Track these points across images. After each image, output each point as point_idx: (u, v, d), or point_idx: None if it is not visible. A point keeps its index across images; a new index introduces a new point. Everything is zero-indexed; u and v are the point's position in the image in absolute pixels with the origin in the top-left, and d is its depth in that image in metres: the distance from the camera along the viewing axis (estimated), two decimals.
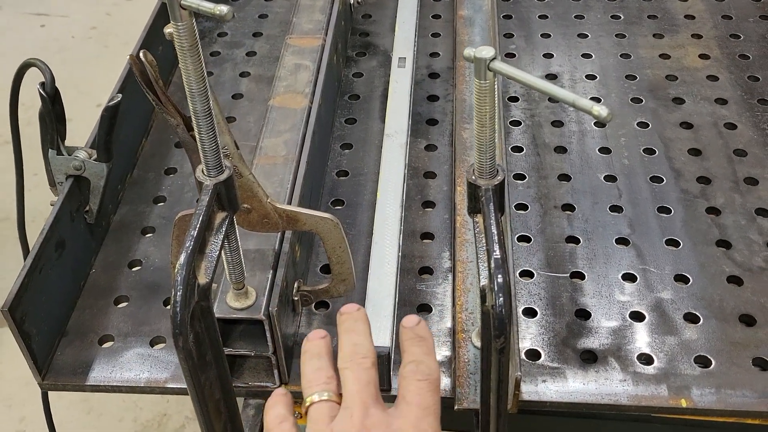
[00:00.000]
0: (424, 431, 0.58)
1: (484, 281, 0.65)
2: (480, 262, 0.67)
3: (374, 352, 0.64)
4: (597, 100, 1.18)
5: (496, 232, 0.65)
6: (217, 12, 0.58)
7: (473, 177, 0.68)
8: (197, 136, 0.67)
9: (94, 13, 3.42)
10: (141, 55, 0.71)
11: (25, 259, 1.06)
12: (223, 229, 0.71)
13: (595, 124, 1.16)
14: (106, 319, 0.95)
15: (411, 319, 0.66)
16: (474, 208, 0.69)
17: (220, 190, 0.70)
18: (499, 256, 0.63)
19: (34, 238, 0.96)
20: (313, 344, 0.67)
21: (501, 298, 0.61)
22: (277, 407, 0.64)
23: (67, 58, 3.20)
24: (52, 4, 3.64)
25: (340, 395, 0.62)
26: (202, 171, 0.70)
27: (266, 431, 0.63)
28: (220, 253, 0.70)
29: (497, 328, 0.61)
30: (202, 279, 0.67)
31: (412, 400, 0.60)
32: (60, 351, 0.92)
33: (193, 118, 0.66)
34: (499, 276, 0.62)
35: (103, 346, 0.92)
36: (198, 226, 0.67)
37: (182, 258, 0.64)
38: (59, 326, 0.93)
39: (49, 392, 0.97)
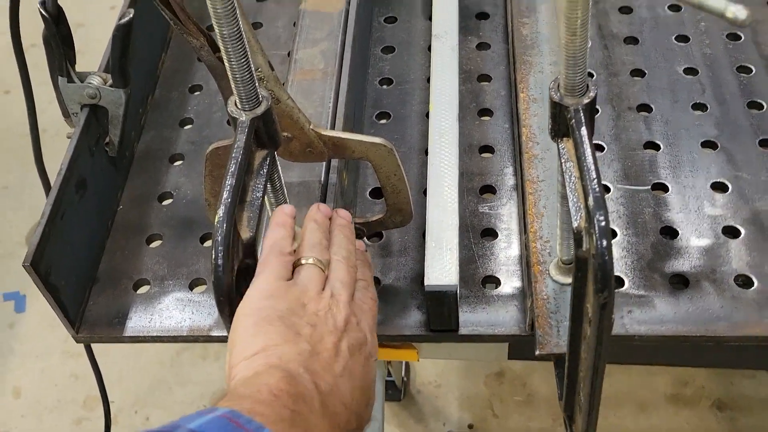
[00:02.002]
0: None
1: (576, 222, 0.55)
2: (571, 197, 0.56)
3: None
4: None
5: (592, 163, 0.54)
6: None
7: (559, 95, 0.57)
8: (227, 64, 0.56)
9: None
10: None
11: (46, 192, 0.97)
12: (265, 170, 0.61)
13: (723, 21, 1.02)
14: (140, 262, 0.87)
15: (361, 245, 0.72)
16: (558, 131, 0.58)
17: (258, 126, 0.60)
18: (599, 194, 0.52)
19: (52, 158, 0.87)
20: (323, 221, 0.67)
21: (604, 244, 0.51)
22: (284, 230, 0.64)
23: (105, 19, 3.02)
24: None
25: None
26: (236, 104, 0.59)
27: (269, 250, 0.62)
28: (263, 198, 0.60)
29: (600, 280, 0.51)
30: (245, 233, 0.57)
31: (369, 312, 0.64)
32: (92, 300, 0.84)
33: (220, 44, 0.55)
34: (601, 217, 0.52)
35: (138, 292, 0.84)
36: (236, 171, 0.56)
37: (221, 212, 0.55)
38: (89, 273, 0.85)
39: None
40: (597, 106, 0.92)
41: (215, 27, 0.54)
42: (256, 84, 0.58)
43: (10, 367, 1.83)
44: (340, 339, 0.58)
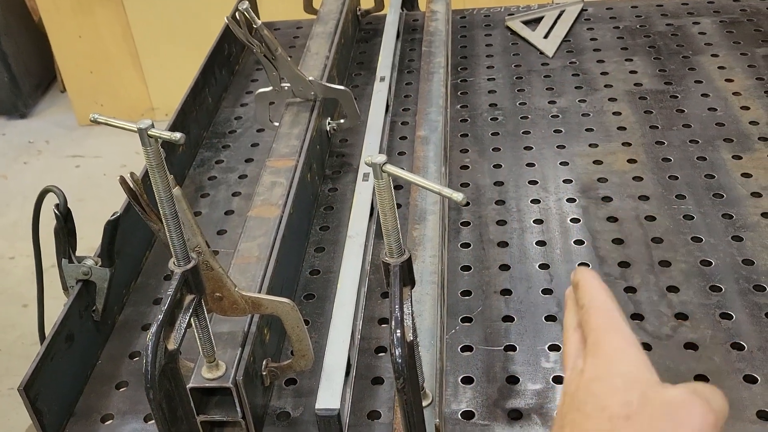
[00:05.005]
0: None
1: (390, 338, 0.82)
2: (389, 324, 0.83)
3: None
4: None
5: (399, 299, 0.82)
6: (173, 138, 0.78)
7: (385, 257, 0.86)
8: (167, 233, 0.86)
9: (124, 152, 3.74)
10: (128, 176, 0.92)
11: None
12: (192, 308, 0.89)
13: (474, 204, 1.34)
14: (109, 401, 1.12)
15: None
16: (388, 283, 0.87)
17: (187, 277, 0.89)
18: (398, 316, 0.80)
19: None
20: None
21: (398, 349, 0.78)
22: None
23: (100, 194, 3.49)
24: (88, 147, 3.99)
25: None
26: (173, 262, 0.88)
27: None
28: (188, 326, 0.88)
29: (396, 371, 0.78)
30: (171, 345, 0.84)
31: None
32: (68, 429, 1.08)
33: (163, 220, 0.86)
34: (398, 331, 0.79)
35: (105, 424, 1.09)
36: (168, 303, 0.85)
37: (153, 328, 0.82)
38: (68, 408, 1.10)
39: None
40: (471, 290, 1.21)
41: (159, 208, 0.85)
42: (188, 248, 0.88)
43: None
44: None
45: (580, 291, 0.69)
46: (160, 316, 0.83)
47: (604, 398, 0.58)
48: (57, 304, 1.26)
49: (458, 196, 0.75)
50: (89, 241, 1.22)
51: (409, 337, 0.81)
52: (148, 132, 0.80)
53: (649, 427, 0.54)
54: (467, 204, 0.76)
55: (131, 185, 0.92)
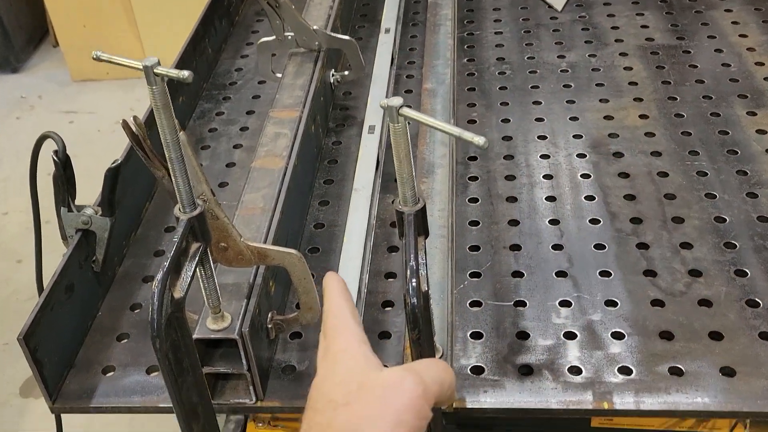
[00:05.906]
0: None
1: (403, 290, 0.79)
2: (404, 274, 0.81)
3: None
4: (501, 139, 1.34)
5: (413, 248, 0.79)
6: (181, 76, 0.75)
7: (399, 206, 0.83)
8: (173, 178, 0.83)
9: (119, 108, 3.68)
10: (131, 119, 0.88)
11: None
12: (198, 256, 0.86)
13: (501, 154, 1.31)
14: (110, 353, 1.09)
15: None
16: (402, 232, 0.84)
17: (193, 224, 0.86)
18: (413, 265, 0.77)
19: None
20: None
21: (414, 299, 0.75)
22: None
23: (94, 150, 3.44)
24: (81, 103, 3.92)
25: None
26: (179, 208, 0.85)
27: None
28: (194, 274, 0.85)
29: (411, 322, 0.75)
30: (177, 293, 0.81)
31: None
32: (69, 380, 1.06)
33: (169, 164, 0.82)
34: (413, 281, 0.76)
35: (106, 375, 1.07)
36: (174, 250, 0.82)
37: (159, 275, 0.79)
38: (68, 359, 1.08)
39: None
40: (480, 245, 1.19)
41: (165, 152, 0.81)
42: (194, 194, 0.85)
43: None
44: None
45: (323, 297, 0.78)
46: (166, 263, 0.80)
47: (329, 393, 0.67)
48: (54, 258, 1.23)
49: (479, 139, 0.72)
50: (83, 197, 1.19)
51: (425, 287, 0.79)
52: (155, 70, 0.76)
53: (364, 408, 0.64)
54: (486, 147, 0.73)
55: (134, 129, 0.88)
